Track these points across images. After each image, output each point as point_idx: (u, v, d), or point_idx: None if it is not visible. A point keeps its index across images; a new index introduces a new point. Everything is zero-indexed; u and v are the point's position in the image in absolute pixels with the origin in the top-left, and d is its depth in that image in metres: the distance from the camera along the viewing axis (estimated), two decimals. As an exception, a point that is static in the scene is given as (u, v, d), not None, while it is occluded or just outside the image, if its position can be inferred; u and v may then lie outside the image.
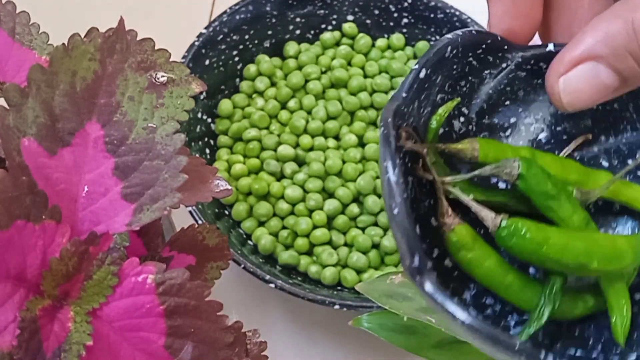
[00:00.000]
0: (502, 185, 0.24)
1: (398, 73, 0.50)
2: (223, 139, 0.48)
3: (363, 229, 0.45)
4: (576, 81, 0.21)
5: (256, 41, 0.51)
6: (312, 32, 0.53)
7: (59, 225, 0.22)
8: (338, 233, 0.45)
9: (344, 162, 0.46)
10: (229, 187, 0.27)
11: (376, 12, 0.52)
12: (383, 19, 0.53)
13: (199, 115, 0.48)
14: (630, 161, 0.24)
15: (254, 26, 0.50)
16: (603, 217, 0.24)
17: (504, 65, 0.24)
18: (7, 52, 0.28)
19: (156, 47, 0.25)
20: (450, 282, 0.22)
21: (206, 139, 0.48)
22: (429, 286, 0.19)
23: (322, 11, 0.52)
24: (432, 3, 0.51)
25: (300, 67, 0.50)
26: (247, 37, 0.50)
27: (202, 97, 0.48)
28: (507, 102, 0.25)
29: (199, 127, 0.47)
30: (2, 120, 0.21)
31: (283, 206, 0.45)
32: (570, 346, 0.23)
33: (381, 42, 0.52)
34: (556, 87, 0.22)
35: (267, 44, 0.51)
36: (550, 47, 0.24)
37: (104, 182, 0.23)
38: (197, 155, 0.46)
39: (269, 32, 0.51)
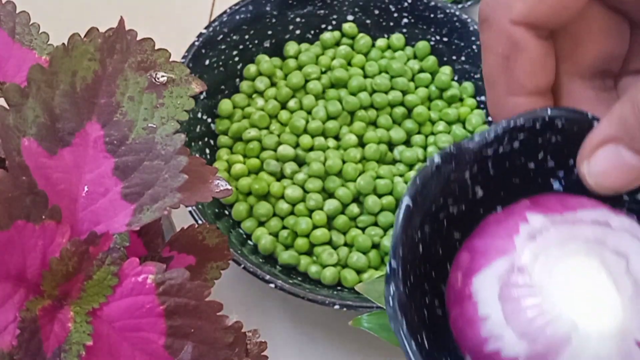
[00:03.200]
0: None
1: (398, 73, 0.50)
2: (223, 139, 0.48)
3: (363, 229, 0.45)
4: (600, 163, 0.21)
5: (256, 41, 0.51)
6: (312, 32, 0.52)
7: (59, 225, 0.22)
8: (338, 233, 0.45)
9: (344, 162, 0.46)
10: (229, 187, 0.27)
11: (376, 12, 0.52)
12: (383, 19, 0.53)
13: (199, 115, 0.48)
14: None
15: (254, 26, 0.50)
16: None
17: None
18: (7, 52, 0.28)
19: (156, 47, 0.25)
20: None
21: (206, 139, 0.48)
22: None
23: (322, 11, 0.52)
24: (432, 3, 0.51)
25: (300, 67, 0.50)
26: (247, 37, 0.50)
27: (202, 97, 0.48)
28: None
29: (199, 127, 0.47)
30: (2, 120, 0.21)
31: (283, 206, 0.45)
32: None
33: (381, 42, 0.52)
34: (581, 169, 0.22)
35: (267, 44, 0.51)
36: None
37: (104, 182, 0.23)
38: (197, 155, 0.46)
39: (269, 32, 0.51)
